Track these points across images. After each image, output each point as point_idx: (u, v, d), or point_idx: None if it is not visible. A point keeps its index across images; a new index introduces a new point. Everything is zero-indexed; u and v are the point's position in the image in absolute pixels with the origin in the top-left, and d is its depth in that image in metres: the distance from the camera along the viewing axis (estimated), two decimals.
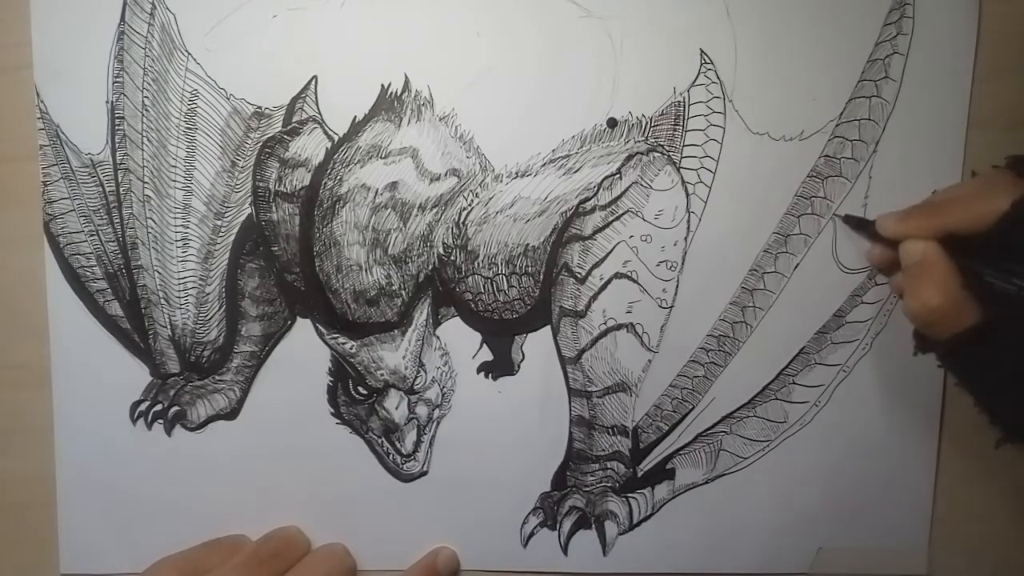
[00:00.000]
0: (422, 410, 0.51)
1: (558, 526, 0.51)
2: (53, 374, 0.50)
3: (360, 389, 0.51)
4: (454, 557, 0.51)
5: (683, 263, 0.49)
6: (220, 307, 0.50)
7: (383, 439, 0.51)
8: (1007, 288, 0.38)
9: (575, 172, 0.49)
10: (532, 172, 0.49)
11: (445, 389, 0.51)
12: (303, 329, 0.50)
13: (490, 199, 0.49)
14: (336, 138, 0.48)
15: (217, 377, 0.50)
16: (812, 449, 0.51)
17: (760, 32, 0.48)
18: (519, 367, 0.50)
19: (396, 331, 0.50)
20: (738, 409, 0.51)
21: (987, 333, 0.38)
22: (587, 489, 0.51)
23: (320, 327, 0.50)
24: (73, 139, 0.48)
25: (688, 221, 0.49)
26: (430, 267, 0.50)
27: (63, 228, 0.49)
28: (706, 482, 0.51)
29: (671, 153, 0.48)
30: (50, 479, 0.50)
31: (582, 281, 0.49)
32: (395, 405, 0.51)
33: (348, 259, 0.49)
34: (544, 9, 0.47)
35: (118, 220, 0.49)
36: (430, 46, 0.48)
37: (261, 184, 0.49)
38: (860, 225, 0.47)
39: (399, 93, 0.48)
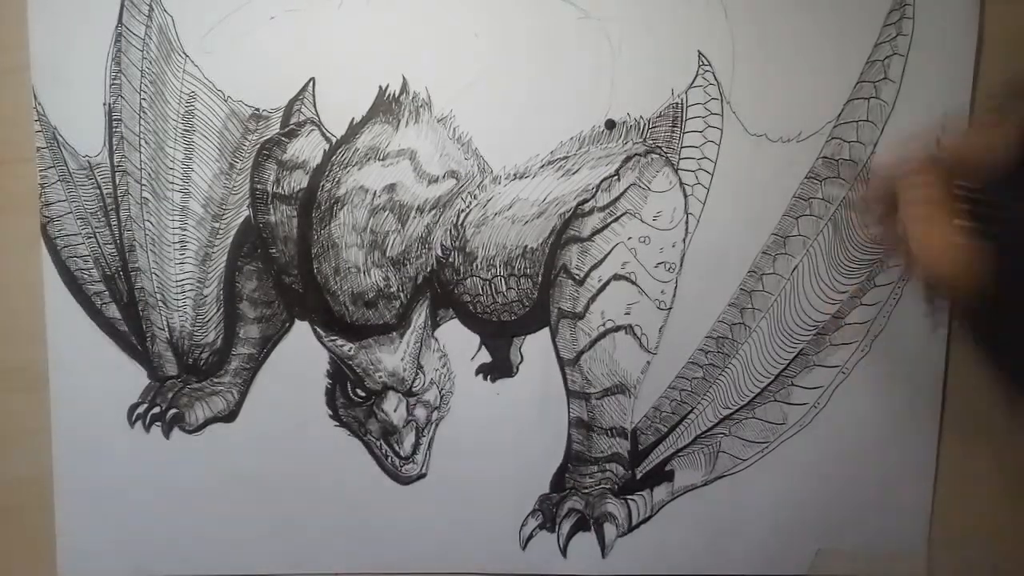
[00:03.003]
0: (420, 412, 0.51)
1: (557, 528, 0.51)
2: (50, 376, 0.50)
3: (358, 391, 0.50)
4: None
5: (681, 265, 0.49)
6: (218, 309, 0.50)
7: (381, 441, 0.51)
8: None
9: (573, 174, 0.49)
10: (530, 174, 0.49)
11: (444, 391, 0.50)
12: (301, 331, 0.50)
13: (488, 201, 0.49)
14: (334, 140, 0.48)
15: (215, 379, 0.50)
16: (811, 451, 0.51)
17: (758, 34, 0.47)
18: (518, 369, 0.50)
19: (394, 333, 0.50)
20: (737, 411, 0.51)
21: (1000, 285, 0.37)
22: (586, 491, 0.51)
23: (318, 329, 0.50)
24: (71, 141, 0.48)
25: (686, 223, 0.49)
26: (428, 269, 0.49)
27: (60, 230, 0.49)
28: (705, 484, 0.51)
29: (669, 154, 0.48)
30: (47, 482, 0.50)
31: (580, 283, 0.49)
32: (393, 407, 0.51)
33: (346, 261, 0.49)
34: (542, 11, 0.47)
35: (116, 222, 0.49)
36: (428, 47, 0.48)
37: (259, 186, 0.49)
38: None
39: (397, 95, 0.48)
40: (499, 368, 0.50)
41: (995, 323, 0.39)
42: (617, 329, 0.50)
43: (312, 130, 0.48)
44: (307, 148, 0.48)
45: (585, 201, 0.49)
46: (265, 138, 0.48)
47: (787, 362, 0.50)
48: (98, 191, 0.49)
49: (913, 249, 0.39)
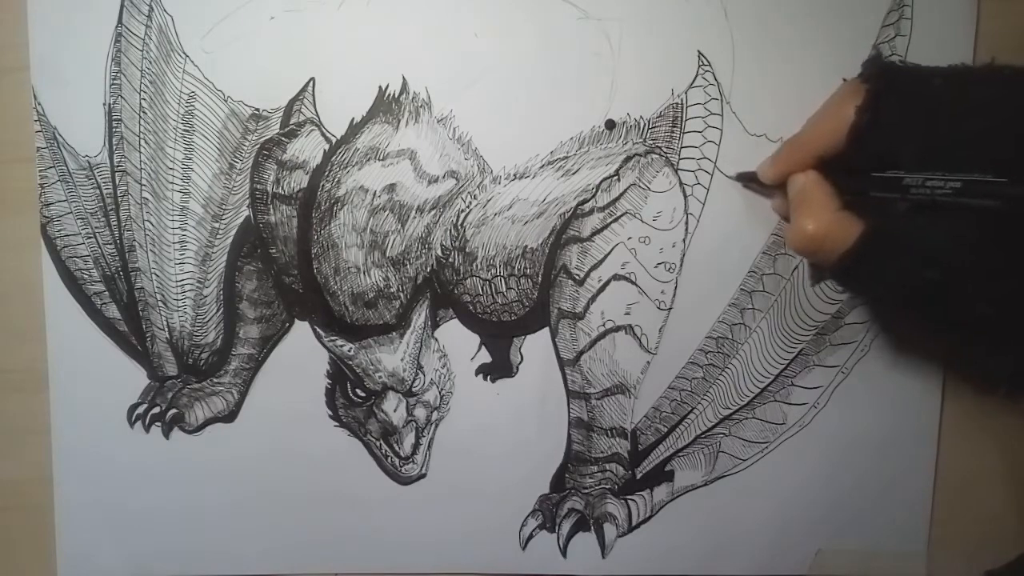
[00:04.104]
0: (420, 412, 0.51)
1: (557, 528, 0.51)
2: (50, 377, 0.50)
3: (358, 391, 0.50)
4: None
5: (681, 265, 0.49)
6: (218, 309, 0.50)
7: (381, 441, 0.51)
8: (891, 197, 0.37)
9: (573, 174, 0.49)
10: (530, 174, 0.49)
11: (443, 391, 0.50)
12: (301, 332, 0.50)
13: (488, 201, 0.49)
14: (334, 140, 0.48)
15: (215, 380, 0.50)
16: (811, 451, 0.51)
17: (758, 33, 0.48)
18: (518, 369, 0.50)
19: (394, 333, 0.50)
20: (737, 411, 0.51)
21: (867, 245, 0.38)
22: (586, 491, 0.51)
23: (318, 329, 0.50)
24: (70, 141, 0.48)
25: (686, 223, 0.49)
26: (428, 269, 0.49)
27: (60, 230, 0.49)
28: (705, 484, 0.51)
29: (669, 155, 0.48)
30: (47, 483, 0.50)
31: (580, 283, 0.49)
32: (393, 407, 0.51)
33: (346, 261, 0.49)
34: (542, 10, 0.47)
35: (115, 222, 0.49)
36: (428, 47, 0.48)
37: (259, 186, 0.49)
38: (751, 179, 0.47)
39: (397, 95, 0.48)
40: (499, 368, 0.50)
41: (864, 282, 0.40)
42: (617, 329, 0.50)
43: (312, 130, 0.48)
44: (307, 148, 0.48)
45: (585, 201, 0.49)
46: (265, 138, 0.48)
47: (787, 362, 0.50)
48: (98, 191, 0.49)
49: (792, 235, 0.41)
